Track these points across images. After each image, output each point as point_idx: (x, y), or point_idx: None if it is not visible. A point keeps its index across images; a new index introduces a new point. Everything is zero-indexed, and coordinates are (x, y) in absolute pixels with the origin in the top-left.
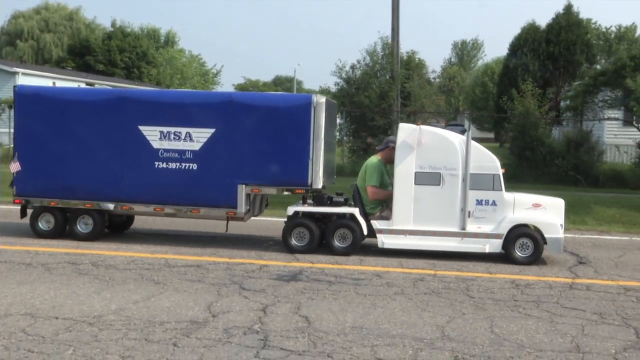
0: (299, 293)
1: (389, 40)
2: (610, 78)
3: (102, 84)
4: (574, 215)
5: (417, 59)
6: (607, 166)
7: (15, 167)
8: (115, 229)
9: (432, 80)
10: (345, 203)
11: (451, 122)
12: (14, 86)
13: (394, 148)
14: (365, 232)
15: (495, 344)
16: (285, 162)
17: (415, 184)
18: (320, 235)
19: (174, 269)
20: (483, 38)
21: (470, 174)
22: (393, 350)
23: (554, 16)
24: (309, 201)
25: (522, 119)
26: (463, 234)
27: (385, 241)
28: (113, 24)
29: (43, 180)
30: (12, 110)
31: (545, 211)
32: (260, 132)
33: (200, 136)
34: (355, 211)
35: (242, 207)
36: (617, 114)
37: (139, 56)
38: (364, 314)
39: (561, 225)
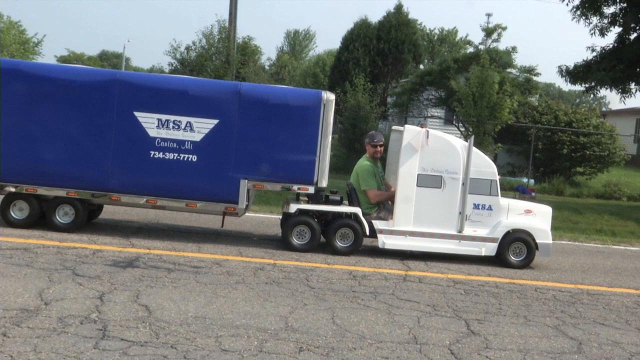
0: (137, 280)
1: (226, 24)
2: (435, 78)
3: None
4: None
5: (253, 45)
6: None
7: None
8: None
9: (267, 67)
10: (341, 202)
11: None
12: None
13: (368, 144)
14: (367, 232)
15: (337, 335)
16: (292, 159)
17: (417, 185)
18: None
19: None
20: (315, 29)
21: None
22: (238, 341)
23: (385, 14)
24: (303, 199)
25: (354, 112)
26: (461, 237)
27: (386, 242)
28: None
29: (21, 164)
30: None
31: (536, 217)
32: (266, 126)
33: (202, 127)
34: (359, 211)
35: (243, 202)
36: (440, 112)
37: None
38: (206, 304)
39: (550, 231)
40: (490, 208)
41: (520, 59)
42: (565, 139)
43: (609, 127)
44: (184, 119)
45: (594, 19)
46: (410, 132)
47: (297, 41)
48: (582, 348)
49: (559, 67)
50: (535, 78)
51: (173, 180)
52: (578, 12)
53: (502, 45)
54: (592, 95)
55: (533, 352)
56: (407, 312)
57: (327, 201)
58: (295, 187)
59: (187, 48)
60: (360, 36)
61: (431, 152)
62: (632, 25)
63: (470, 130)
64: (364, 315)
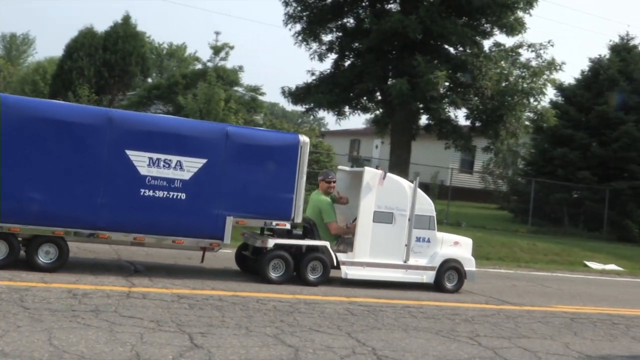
0: None
1: None
2: (163, 92)
3: None
4: None
5: None
6: None
7: None
8: None
9: None
10: (304, 236)
11: None
12: None
13: (322, 180)
14: (335, 263)
15: (55, 356)
16: (272, 196)
17: (373, 221)
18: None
19: None
20: (35, 34)
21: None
22: None
23: (112, 25)
24: (267, 233)
25: None
26: (407, 267)
27: (348, 272)
28: None
29: (4, 203)
30: None
31: (462, 247)
32: (250, 165)
33: (192, 166)
34: (328, 244)
35: (228, 238)
36: None
37: None
38: None
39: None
40: (428, 240)
41: (247, 78)
42: None
43: (326, 147)
44: (174, 158)
45: (314, 45)
46: (369, 173)
47: (14, 45)
48: (299, 354)
49: (282, 88)
50: (260, 97)
51: (162, 218)
52: (300, 38)
53: (229, 64)
54: (312, 116)
55: None
56: (130, 329)
57: (290, 235)
58: (274, 223)
59: None
60: (85, 45)
61: (385, 191)
62: (346, 53)
63: None
64: (84, 335)
